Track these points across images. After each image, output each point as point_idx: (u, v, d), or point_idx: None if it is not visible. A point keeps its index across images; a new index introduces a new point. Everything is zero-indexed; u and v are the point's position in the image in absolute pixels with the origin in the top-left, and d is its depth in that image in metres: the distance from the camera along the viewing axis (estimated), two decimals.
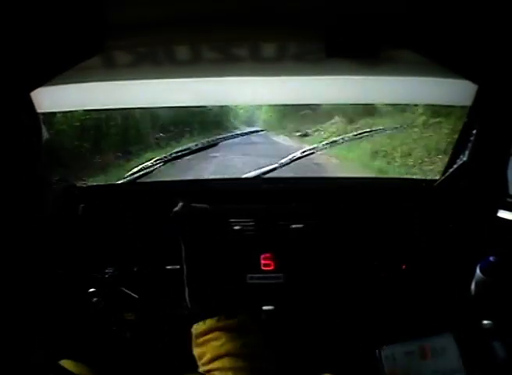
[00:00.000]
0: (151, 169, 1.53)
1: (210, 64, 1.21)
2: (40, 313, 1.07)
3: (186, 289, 0.84)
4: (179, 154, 1.56)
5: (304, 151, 1.61)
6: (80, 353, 1.11)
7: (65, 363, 1.01)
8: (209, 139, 1.61)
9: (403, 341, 0.93)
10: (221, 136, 1.63)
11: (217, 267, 0.88)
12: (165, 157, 1.56)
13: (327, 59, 1.10)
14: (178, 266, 1.22)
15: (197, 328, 0.81)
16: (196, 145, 1.59)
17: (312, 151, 1.60)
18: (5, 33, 0.78)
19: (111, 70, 1.22)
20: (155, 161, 1.55)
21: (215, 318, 0.79)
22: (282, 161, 1.57)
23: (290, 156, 1.59)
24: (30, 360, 0.90)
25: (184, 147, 1.59)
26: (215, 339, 0.77)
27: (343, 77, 1.27)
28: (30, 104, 0.99)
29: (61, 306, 1.18)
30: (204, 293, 0.84)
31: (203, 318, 0.80)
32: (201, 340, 0.79)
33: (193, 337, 0.81)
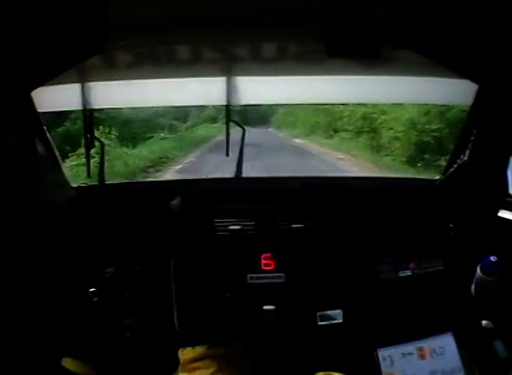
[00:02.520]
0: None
1: (210, 64, 1.21)
2: (42, 312, 1.07)
3: (175, 309, 0.82)
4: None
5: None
6: (80, 352, 1.12)
7: (66, 362, 1.01)
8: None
9: (401, 343, 0.92)
10: None
11: (210, 274, 0.87)
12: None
13: (327, 59, 1.11)
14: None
15: (185, 353, 0.80)
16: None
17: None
18: (6, 33, 0.78)
19: (111, 70, 1.23)
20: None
21: (205, 345, 0.79)
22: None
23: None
24: (31, 358, 0.91)
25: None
26: (205, 367, 0.77)
27: (344, 77, 1.27)
28: (30, 103, 0.99)
29: (61, 305, 1.18)
30: (195, 315, 0.82)
31: (191, 343, 0.79)
32: (189, 367, 0.78)
33: (181, 363, 0.80)
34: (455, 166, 1.25)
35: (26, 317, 1.02)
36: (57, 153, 1.26)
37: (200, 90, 1.34)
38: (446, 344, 0.88)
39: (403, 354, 0.89)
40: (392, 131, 6.56)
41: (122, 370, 1.18)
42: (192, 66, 1.23)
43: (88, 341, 1.19)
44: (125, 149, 6.66)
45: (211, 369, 0.76)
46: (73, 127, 5.30)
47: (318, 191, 1.41)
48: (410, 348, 0.89)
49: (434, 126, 5.95)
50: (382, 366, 0.89)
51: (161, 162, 6.97)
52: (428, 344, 0.88)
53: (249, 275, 1.28)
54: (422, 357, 0.88)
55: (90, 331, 1.22)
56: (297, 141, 8.58)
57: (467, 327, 1.08)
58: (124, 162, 6.07)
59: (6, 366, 0.92)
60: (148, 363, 1.21)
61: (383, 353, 0.89)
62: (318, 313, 1.27)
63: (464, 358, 0.90)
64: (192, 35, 1.05)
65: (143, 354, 1.22)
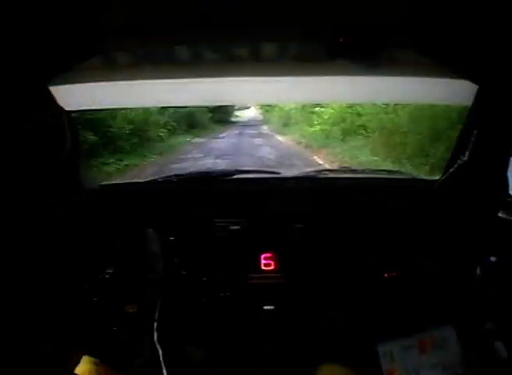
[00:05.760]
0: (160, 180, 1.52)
1: (210, 64, 1.21)
2: (42, 311, 1.07)
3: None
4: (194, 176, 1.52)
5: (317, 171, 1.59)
6: (80, 352, 1.12)
7: (85, 359, 1.03)
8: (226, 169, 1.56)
9: (401, 336, 0.91)
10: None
11: None
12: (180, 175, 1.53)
13: (327, 60, 1.11)
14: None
15: None
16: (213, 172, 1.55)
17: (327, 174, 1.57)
18: (6, 33, 0.78)
19: (111, 70, 1.23)
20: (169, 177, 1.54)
21: None
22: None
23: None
24: (30, 359, 0.91)
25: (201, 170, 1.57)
26: None
27: (344, 77, 1.27)
28: (52, 102, 0.99)
29: (61, 305, 1.18)
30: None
31: None
32: None
33: None
34: (455, 166, 1.25)
35: (26, 317, 1.02)
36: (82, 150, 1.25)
37: (201, 90, 1.34)
38: (447, 337, 0.86)
39: (404, 348, 0.88)
40: None
41: (121, 370, 1.18)
42: (192, 66, 1.22)
43: (88, 341, 1.19)
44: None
45: None
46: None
47: (318, 191, 1.41)
48: (411, 341, 0.87)
49: None
50: (382, 362, 0.88)
51: None
52: (429, 337, 0.87)
53: (249, 275, 1.28)
54: (423, 350, 0.87)
55: (90, 330, 1.22)
56: None
57: (468, 328, 1.08)
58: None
59: (6, 366, 0.92)
60: (148, 362, 1.21)
61: (383, 348, 0.88)
62: (319, 312, 1.28)
63: (465, 355, 0.89)
64: (192, 35, 1.04)
65: (143, 353, 1.22)
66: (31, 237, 0.98)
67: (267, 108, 15.32)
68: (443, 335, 0.87)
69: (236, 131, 13.83)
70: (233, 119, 17.38)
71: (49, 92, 0.96)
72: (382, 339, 0.98)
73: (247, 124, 16.29)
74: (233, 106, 14.41)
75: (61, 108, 1.02)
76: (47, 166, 0.96)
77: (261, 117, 17.62)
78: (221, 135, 12.77)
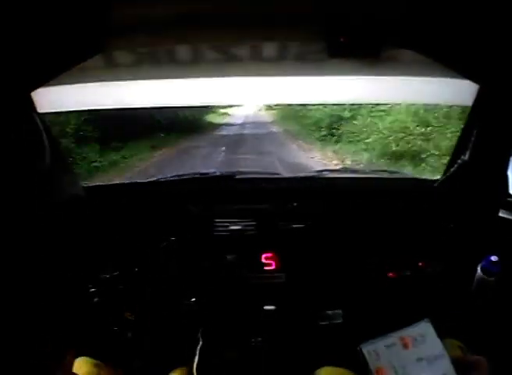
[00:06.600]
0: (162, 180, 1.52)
1: (211, 64, 1.21)
2: (42, 312, 1.07)
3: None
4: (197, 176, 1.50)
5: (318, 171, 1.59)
6: (80, 352, 1.12)
7: (81, 361, 1.03)
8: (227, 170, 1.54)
9: (382, 336, 0.93)
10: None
11: None
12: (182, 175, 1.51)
13: (328, 60, 1.11)
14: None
15: None
16: (214, 172, 1.52)
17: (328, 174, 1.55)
18: (7, 33, 0.78)
19: (111, 70, 1.23)
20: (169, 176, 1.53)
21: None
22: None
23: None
24: (34, 358, 0.91)
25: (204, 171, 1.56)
26: None
27: (344, 77, 1.27)
28: (30, 105, 0.99)
29: (61, 306, 1.18)
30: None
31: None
32: None
33: None
34: (455, 166, 1.25)
35: (26, 318, 1.02)
36: (63, 154, 1.25)
37: (201, 90, 1.34)
38: (425, 332, 0.87)
39: (387, 346, 0.88)
40: None
41: (122, 369, 1.18)
42: (191, 66, 1.23)
43: (89, 341, 1.19)
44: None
45: None
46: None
47: (318, 191, 1.41)
48: (393, 339, 0.88)
49: None
50: (369, 361, 0.88)
51: None
52: (408, 334, 0.88)
53: (250, 275, 1.29)
54: (405, 346, 0.87)
55: (91, 331, 1.22)
56: None
57: (468, 327, 1.08)
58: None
59: (6, 366, 0.92)
60: (149, 362, 1.22)
61: (367, 348, 0.89)
62: (319, 312, 1.28)
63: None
64: (193, 36, 1.04)
65: (144, 353, 1.22)
66: (22, 239, 0.98)
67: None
68: (420, 331, 0.88)
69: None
70: (212, 121, 9.61)
71: (29, 98, 0.95)
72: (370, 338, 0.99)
73: (241, 132, 8.69)
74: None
75: (38, 113, 1.02)
76: (27, 172, 0.96)
77: (268, 117, 10.71)
78: None
